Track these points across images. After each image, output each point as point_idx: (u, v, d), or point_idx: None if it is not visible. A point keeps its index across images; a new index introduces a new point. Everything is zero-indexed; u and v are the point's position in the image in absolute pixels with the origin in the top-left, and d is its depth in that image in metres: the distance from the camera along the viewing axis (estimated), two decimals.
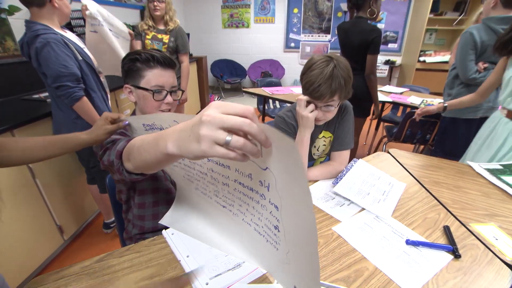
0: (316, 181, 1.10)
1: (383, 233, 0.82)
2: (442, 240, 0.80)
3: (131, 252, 0.76)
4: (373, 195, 0.99)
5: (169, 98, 0.90)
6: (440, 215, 0.92)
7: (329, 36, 4.85)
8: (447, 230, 0.83)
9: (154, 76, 0.87)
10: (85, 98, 1.34)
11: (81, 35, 1.84)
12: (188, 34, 4.21)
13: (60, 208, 1.67)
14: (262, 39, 5.12)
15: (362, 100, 2.23)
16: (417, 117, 1.66)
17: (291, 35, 4.98)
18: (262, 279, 0.67)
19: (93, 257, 0.74)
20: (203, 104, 4.23)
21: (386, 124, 2.77)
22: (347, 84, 0.97)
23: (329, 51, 4.92)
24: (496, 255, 0.75)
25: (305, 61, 5.72)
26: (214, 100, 4.90)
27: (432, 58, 4.30)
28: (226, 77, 5.13)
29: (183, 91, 0.97)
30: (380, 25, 4.59)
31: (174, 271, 0.69)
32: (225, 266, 0.69)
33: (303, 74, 1.01)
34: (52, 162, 1.59)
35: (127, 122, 0.76)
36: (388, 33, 4.64)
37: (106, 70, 1.71)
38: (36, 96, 1.88)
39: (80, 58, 1.35)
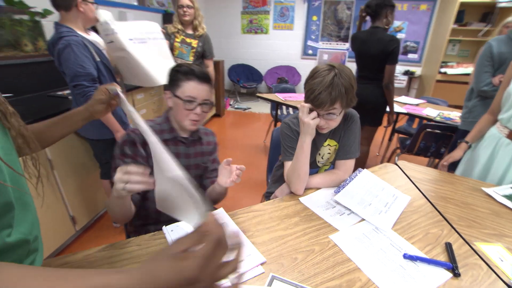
0: (318, 188, 1.10)
1: (381, 245, 0.81)
2: (443, 257, 0.78)
3: (132, 245, 0.79)
4: (374, 206, 0.97)
5: (198, 110, 0.96)
6: (443, 231, 0.89)
7: (347, 44, 4.81)
8: (448, 247, 0.81)
9: (189, 88, 0.95)
10: None
11: None
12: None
13: (74, 200, 1.75)
14: (280, 45, 5.16)
15: (376, 109, 2.21)
16: (442, 168, 1.41)
17: (309, 42, 4.99)
18: (254, 280, 0.68)
19: (95, 247, 0.77)
20: (218, 107, 4.29)
21: (400, 135, 2.71)
22: (348, 93, 0.97)
23: (347, 59, 4.88)
24: (500, 277, 0.73)
25: (314, 78, 5.83)
26: (229, 103, 4.96)
27: (454, 70, 4.18)
28: (243, 82, 5.20)
29: (213, 105, 1.03)
30: (401, 35, 4.52)
31: None
32: None
33: (306, 82, 1.03)
34: (69, 156, 1.68)
35: (116, 92, 0.77)
36: (408, 43, 4.56)
37: (130, 80, 1.71)
38: (60, 93, 1.99)
39: (98, 59, 1.43)
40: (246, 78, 5.31)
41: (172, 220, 1.04)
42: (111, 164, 1.43)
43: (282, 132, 1.15)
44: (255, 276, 0.70)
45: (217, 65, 4.09)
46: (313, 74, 1.01)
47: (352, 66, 2.25)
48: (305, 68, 5.13)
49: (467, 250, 0.82)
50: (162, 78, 1.74)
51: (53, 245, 1.64)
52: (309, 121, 0.99)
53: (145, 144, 1.00)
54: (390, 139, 2.77)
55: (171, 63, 1.85)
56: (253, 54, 5.34)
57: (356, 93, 2.22)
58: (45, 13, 1.99)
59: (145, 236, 0.83)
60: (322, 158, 1.19)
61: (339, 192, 1.03)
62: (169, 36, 2.26)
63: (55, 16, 2.06)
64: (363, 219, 0.92)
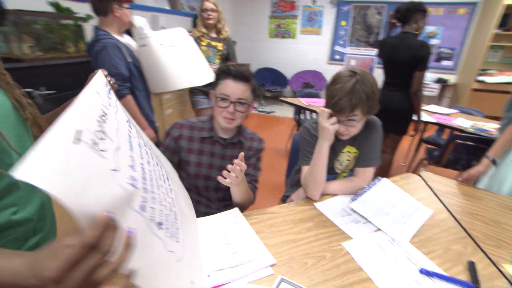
0: (335, 195, 1.09)
1: (396, 257, 0.79)
2: (464, 277, 0.74)
3: None
4: (392, 216, 0.95)
5: (231, 108, 0.98)
6: (467, 249, 0.85)
7: (376, 50, 4.68)
8: (471, 266, 0.77)
9: (224, 86, 0.99)
10: (129, 96, 1.50)
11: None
12: (235, 42, 4.41)
13: None
14: (307, 50, 5.14)
15: (402, 117, 2.14)
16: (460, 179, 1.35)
17: (337, 48, 4.92)
18: (262, 281, 0.69)
19: None
20: None
21: (427, 146, 2.59)
22: (370, 100, 0.96)
23: (375, 65, 4.75)
24: None
25: (334, 84, 5.69)
26: (254, 106, 5.01)
27: (494, 78, 3.91)
28: (268, 85, 5.23)
29: (250, 105, 1.05)
30: (435, 41, 4.32)
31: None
32: (228, 263, 0.73)
33: (327, 87, 1.03)
34: None
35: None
36: (442, 49, 4.34)
37: (157, 86, 1.72)
38: None
39: (130, 60, 1.52)
40: (271, 82, 5.34)
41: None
42: None
43: (301, 136, 1.16)
44: (263, 277, 0.71)
45: None
46: (335, 79, 1.00)
47: (381, 72, 2.19)
48: (331, 73, 4.95)
49: (494, 271, 0.77)
50: (195, 79, 1.81)
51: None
52: (328, 126, 0.99)
53: (179, 137, 1.08)
54: (416, 149, 2.65)
55: (204, 63, 1.91)
56: (279, 58, 5.36)
57: (382, 99, 2.15)
58: (87, 18, 2.15)
59: None
60: (341, 164, 1.18)
61: (355, 199, 1.01)
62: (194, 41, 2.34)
63: (95, 20, 2.23)
64: (379, 229, 0.90)
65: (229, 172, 0.84)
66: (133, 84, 1.54)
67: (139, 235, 0.39)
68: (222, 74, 1.00)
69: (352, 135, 1.07)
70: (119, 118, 0.49)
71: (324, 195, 1.08)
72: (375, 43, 4.62)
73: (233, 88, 0.98)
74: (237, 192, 0.99)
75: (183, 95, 2.74)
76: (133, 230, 0.37)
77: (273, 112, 4.89)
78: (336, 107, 0.96)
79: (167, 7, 3.54)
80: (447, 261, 0.79)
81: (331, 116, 1.00)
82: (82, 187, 0.31)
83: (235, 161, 0.84)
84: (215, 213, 1.10)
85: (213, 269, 0.70)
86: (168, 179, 0.64)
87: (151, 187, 0.48)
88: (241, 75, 0.98)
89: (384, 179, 1.14)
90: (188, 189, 0.96)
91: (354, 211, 0.98)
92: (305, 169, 1.10)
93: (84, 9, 2.17)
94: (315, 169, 1.03)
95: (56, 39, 2.01)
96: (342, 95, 0.94)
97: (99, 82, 0.52)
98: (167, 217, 0.51)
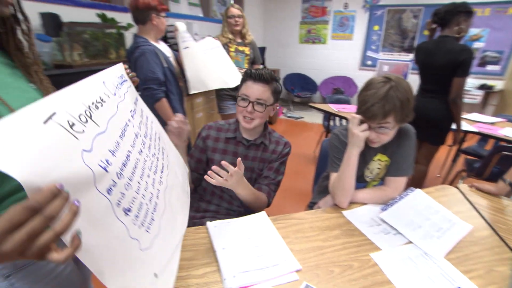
0: (363, 204, 1.06)
1: (429, 273, 0.75)
2: None
3: None
4: (425, 229, 0.90)
5: (249, 108, 1.03)
6: None
7: (411, 55, 4.48)
8: None
9: (245, 87, 1.06)
10: (164, 99, 1.58)
11: (172, 46, 2.16)
12: (265, 48, 4.47)
13: None
14: (337, 56, 5.05)
15: (439, 126, 2.01)
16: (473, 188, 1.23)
17: (369, 53, 4.78)
18: (287, 286, 0.69)
19: None
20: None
21: (467, 157, 2.41)
22: (404, 107, 0.92)
23: (409, 71, 4.54)
24: None
25: (366, 90, 5.54)
26: (282, 111, 5.02)
27: None
28: (297, 91, 5.21)
29: (271, 105, 1.08)
30: (478, 44, 4.03)
31: (209, 259, 0.77)
32: (253, 265, 0.74)
33: (360, 93, 1.01)
34: None
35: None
36: (488, 53, 4.04)
37: (196, 85, 1.83)
38: None
39: (165, 65, 1.61)
40: (300, 88, 5.31)
41: (215, 217, 1.13)
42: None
43: (330, 142, 1.14)
44: (288, 282, 0.71)
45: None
46: (368, 85, 0.98)
47: (416, 78, 2.09)
48: (362, 79, 4.87)
49: None
50: (226, 81, 1.92)
51: None
52: (358, 133, 0.97)
53: (207, 137, 1.16)
54: (454, 160, 2.48)
55: (233, 67, 1.99)
56: (309, 63, 5.32)
57: (418, 107, 2.05)
58: (128, 27, 2.32)
59: (189, 229, 0.90)
60: (371, 173, 1.14)
61: (386, 210, 0.97)
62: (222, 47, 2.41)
63: (135, 29, 2.38)
64: (410, 242, 0.86)
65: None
66: (168, 88, 1.63)
67: (99, 215, 0.41)
68: (245, 76, 1.07)
69: (383, 143, 1.03)
70: (120, 107, 0.53)
71: (353, 203, 1.06)
72: (410, 48, 4.43)
73: (253, 88, 1.03)
74: (239, 194, 1.01)
75: (212, 99, 2.82)
76: (79, 203, 0.36)
77: (302, 117, 4.85)
78: (367, 113, 0.94)
79: (201, 15, 3.69)
80: (490, 283, 0.73)
81: (362, 122, 0.98)
82: (41, 160, 0.33)
83: (223, 162, 0.87)
84: (236, 210, 1.13)
85: (238, 270, 0.72)
86: (162, 171, 0.66)
87: (130, 174, 0.50)
88: (261, 77, 1.03)
89: (418, 190, 1.08)
90: (213, 185, 0.99)
91: (384, 222, 0.94)
92: (333, 176, 1.08)
93: (125, 19, 2.34)
94: (343, 176, 1.01)
95: (100, 46, 2.18)
96: (375, 101, 0.92)
97: (111, 73, 0.57)
98: (140, 206, 0.52)
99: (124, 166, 0.49)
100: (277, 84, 1.09)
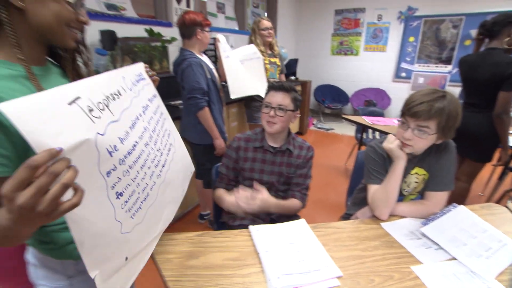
0: (402, 217, 1.05)
1: None
2: None
3: (223, 236, 0.93)
4: (471, 248, 0.88)
5: (271, 112, 1.16)
6: None
7: (449, 67, 4.30)
8: None
9: (268, 96, 1.21)
10: (207, 108, 1.68)
11: (210, 57, 2.29)
12: (297, 59, 4.53)
13: None
14: (370, 67, 4.98)
15: (484, 142, 1.91)
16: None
17: (403, 65, 4.66)
18: None
19: (195, 231, 0.94)
20: (302, 125, 4.40)
21: None
22: (449, 118, 0.93)
23: (447, 83, 4.35)
24: None
25: (417, 91, 5.28)
26: (313, 122, 5.01)
27: None
28: (328, 102, 5.18)
29: (291, 111, 1.20)
30: None
31: (253, 260, 0.82)
32: (296, 269, 0.77)
33: (409, 96, 1.01)
34: None
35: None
36: None
37: (236, 91, 1.97)
38: (172, 102, 2.43)
39: (209, 76, 1.72)
40: (331, 99, 5.28)
41: (254, 220, 1.18)
42: (207, 165, 1.74)
43: (367, 155, 1.15)
44: (331, 287, 0.73)
45: (305, 85, 4.22)
46: (421, 90, 1.00)
47: (454, 90, 2.02)
48: (396, 91, 4.79)
49: None
50: (259, 90, 2.04)
51: None
52: (390, 146, 1.00)
53: (238, 149, 1.26)
54: (500, 178, 2.33)
55: (264, 79, 2.09)
56: (341, 75, 5.29)
57: (462, 122, 1.99)
58: (171, 40, 2.50)
59: (234, 231, 0.96)
60: (408, 186, 1.13)
61: (427, 224, 0.96)
62: None
63: (177, 42, 2.56)
64: (453, 258, 0.84)
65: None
66: (210, 98, 1.73)
67: (92, 193, 0.45)
68: (268, 88, 1.23)
69: (416, 151, 1.02)
70: (134, 102, 0.59)
71: (391, 215, 1.06)
72: (448, 59, 4.25)
73: (274, 97, 1.18)
74: (271, 211, 1.17)
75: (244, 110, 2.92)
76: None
77: (332, 129, 4.81)
78: (412, 109, 0.95)
79: (236, 28, 3.85)
80: None
81: (402, 121, 1.01)
82: (57, 128, 0.38)
83: (254, 184, 1.12)
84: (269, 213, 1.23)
85: (282, 272, 0.75)
86: (164, 166, 0.71)
87: (131, 163, 0.54)
88: (281, 87, 1.18)
89: (461, 207, 1.05)
90: (249, 187, 1.18)
91: (424, 236, 0.93)
92: (372, 187, 1.09)
93: (168, 33, 2.52)
94: (387, 188, 1.02)
95: (146, 58, 2.37)
96: (424, 100, 0.93)
97: (130, 70, 0.64)
98: (132, 193, 0.56)
99: (129, 154, 0.54)
100: (296, 93, 1.22)
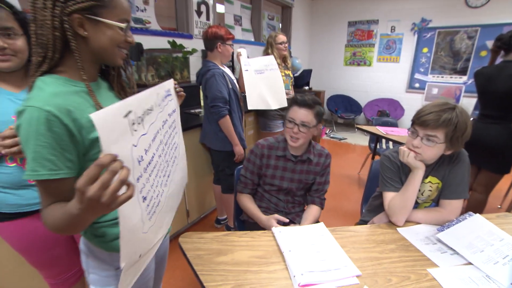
0: (418, 223, 1.09)
1: None
2: None
3: (247, 236, 1.00)
4: (488, 254, 0.91)
5: (295, 129, 1.20)
6: None
7: (464, 78, 4.29)
8: None
9: (292, 111, 1.24)
10: (228, 117, 1.77)
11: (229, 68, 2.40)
12: (311, 70, 4.62)
13: (191, 197, 2.17)
14: (383, 78, 5.01)
15: (500, 153, 1.92)
16: None
17: (417, 75, 4.67)
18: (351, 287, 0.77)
19: (222, 231, 1.01)
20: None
21: None
22: (457, 129, 0.97)
23: (462, 94, 4.33)
24: None
25: (429, 103, 5.20)
26: (325, 132, 5.05)
27: None
28: (340, 112, 5.22)
29: (314, 127, 1.24)
30: None
31: (277, 259, 0.88)
32: (318, 267, 0.83)
33: (421, 107, 1.07)
34: (195, 159, 2.11)
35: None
36: None
37: (253, 103, 2.04)
38: (192, 111, 2.54)
39: (230, 86, 1.82)
40: (344, 109, 5.32)
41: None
42: (226, 171, 1.83)
43: (382, 164, 1.20)
44: (350, 285, 0.78)
45: (318, 95, 4.30)
46: (433, 101, 1.06)
47: (469, 102, 2.04)
48: (409, 102, 4.79)
49: None
50: (275, 102, 2.10)
51: (171, 231, 2.06)
52: (406, 159, 1.06)
53: (262, 156, 1.31)
54: None
55: (281, 90, 2.17)
56: (354, 85, 5.34)
57: (477, 133, 2.01)
58: (193, 51, 2.63)
59: (257, 232, 1.02)
60: (422, 194, 1.17)
61: (443, 230, 1.00)
62: None
63: (198, 53, 2.69)
64: (469, 263, 0.88)
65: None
66: (231, 106, 1.83)
67: None
68: (291, 101, 1.25)
69: (424, 159, 1.06)
70: (158, 116, 0.67)
71: (407, 222, 1.10)
72: (463, 70, 4.25)
73: (298, 113, 1.20)
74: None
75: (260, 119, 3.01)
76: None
77: (345, 139, 4.83)
78: (421, 117, 1.01)
79: (252, 39, 3.99)
80: None
81: (412, 130, 1.07)
82: (115, 137, 0.46)
83: (276, 216, 1.19)
84: (285, 206, 1.35)
85: (305, 269, 0.81)
86: (169, 176, 0.77)
87: (150, 171, 0.61)
88: (305, 102, 1.20)
89: (477, 215, 1.09)
90: (266, 191, 1.35)
91: (440, 241, 0.97)
92: (388, 195, 1.13)
93: (190, 44, 2.66)
94: (405, 196, 1.06)
95: (169, 68, 2.50)
96: (434, 110, 0.99)
97: (163, 87, 0.73)
98: (151, 198, 0.63)
99: (149, 164, 0.61)
100: (319, 107, 1.24)
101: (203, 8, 2.91)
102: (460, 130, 0.98)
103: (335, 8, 5.15)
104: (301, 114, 1.20)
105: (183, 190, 1.00)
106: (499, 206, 2.64)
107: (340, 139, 4.81)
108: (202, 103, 2.15)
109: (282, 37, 2.42)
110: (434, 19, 4.39)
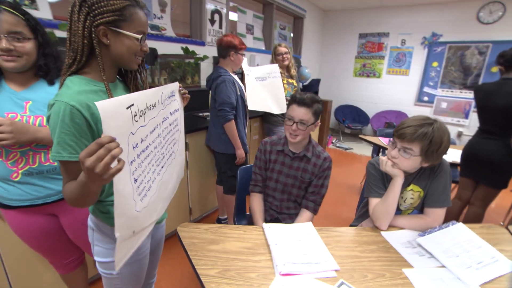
0: (401, 228, 1.15)
1: None
2: None
3: (240, 229, 1.09)
4: (462, 259, 0.96)
5: (294, 126, 1.27)
6: None
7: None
8: None
9: (291, 109, 1.31)
10: (233, 121, 1.88)
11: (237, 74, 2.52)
12: (319, 80, 4.70)
13: (194, 195, 2.27)
14: (392, 90, 5.05)
15: (499, 168, 1.94)
16: None
17: (426, 89, 4.69)
18: (326, 280, 0.84)
19: (215, 224, 1.10)
20: (320, 143, 4.51)
21: None
22: (432, 144, 1.03)
23: (472, 109, 4.31)
24: None
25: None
26: (332, 141, 5.10)
27: None
28: (348, 122, 5.27)
29: (312, 124, 1.31)
30: None
31: (264, 250, 0.96)
32: (300, 259, 0.90)
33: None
34: (200, 161, 2.22)
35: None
36: None
37: (254, 106, 2.17)
38: (200, 114, 2.66)
39: (239, 93, 1.93)
40: (352, 119, 5.37)
41: (271, 221, 1.33)
42: (228, 173, 1.93)
43: (368, 171, 1.27)
44: (327, 277, 0.86)
45: (325, 105, 4.36)
46: (414, 116, 1.13)
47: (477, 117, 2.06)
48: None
49: None
50: (276, 107, 2.23)
51: (172, 227, 2.15)
52: (384, 168, 1.13)
53: (265, 151, 1.43)
54: None
55: (282, 96, 2.28)
56: (362, 96, 5.39)
57: (476, 148, 2.03)
58: (204, 58, 2.76)
59: (249, 227, 1.11)
60: (404, 202, 1.23)
61: (424, 236, 1.06)
62: None
63: (209, 59, 2.82)
64: (443, 266, 0.93)
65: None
66: (237, 112, 1.93)
67: (124, 173, 0.61)
68: (290, 100, 1.31)
69: (402, 169, 1.12)
70: (160, 113, 0.78)
71: (392, 227, 1.16)
72: (474, 85, 4.25)
73: (296, 111, 1.27)
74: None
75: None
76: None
77: (351, 149, 4.86)
78: (399, 130, 1.09)
79: (263, 48, 4.11)
80: None
81: (393, 142, 1.14)
82: (114, 123, 0.56)
83: None
84: (279, 205, 1.44)
85: (288, 261, 0.89)
86: (163, 167, 0.87)
87: (144, 158, 0.71)
88: (303, 101, 1.26)
89: (460, 224, 1.14)
90: (266, 186, 1.43)
91: (420, 246, 1.03)
92: (373, 201, 1.19)
93: (202, 51, 2.80)
94: (387, 202, 1.12)
95: (180, 73, 2.64)
96: (411, 124, 1.06)
97: (168, 88, 0.84)
98: (142, 181, 0.72)
99: (143, 151, 0.71)
100: (318, 105, 1.29)
101: (216, 17, 3.06)
102: (435, 145, 1.04)
103: (347, 20, 5.24)
104: (300, 112, 1.26)
105: (178, 184, 1.09)
106: (502, 223, 2.62)
107: (346, 149, 4.84)
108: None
109: (280, 49, 2.57)
110: (445, 34, 4.42)
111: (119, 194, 0.62)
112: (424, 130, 1.04)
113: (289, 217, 1.43)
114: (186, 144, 2.07)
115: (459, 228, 1.12)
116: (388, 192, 1.13)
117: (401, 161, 1.10)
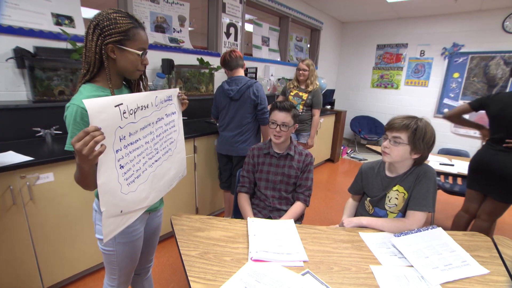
0: (381, 231, 1.20)
1: None
2: None
3: (226, 222, 1.20)
4: (431, 261, 1.00)
5: (277, 129, 1.46)
6: None
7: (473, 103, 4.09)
8: None
9: (273, 114, 1.51)
10: None
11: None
12: (334, 90, 4.75)
13: (202, 196, 2.41)
14: (410, 101, 4.95)
15: (509, 181, 1.87)
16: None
17: (446, 100, 4.56)
18: (293, 269, 0.93)
19: (205, 215, 1.23)
20: (333, 153, 4.53)
21: None
22: (418, 133, 1.17)
23: None
24: None
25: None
26: (346, 152, 5.07)
27: None
28: (364, 133, 5.22)
29: (292, 126, 1.50)
30: None
31: (243, 239, 1.07)
32: (272, 249, 1.00)
33: None
34: (207, 163, 2.37)
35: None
36: None
37: None
38: (212, 120, 2.83)
39: None
40: (368, 130, 5.31)
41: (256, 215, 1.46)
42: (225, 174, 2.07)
43: (359, 170, 1.46)
44: (294, 266, 0.94)
45: (339, 115, 4.39)
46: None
47: None
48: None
49: None
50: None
51: None
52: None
53: (253, 156, 1.59)
54: None
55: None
56: (379, 107, 5.33)
57: (486, 159, 2.01)
58: (218, 68, 2.95)
59: (236, 219, 1.22)
60: (389, 201, 1.28)
61: (399, 236, 1.11)
62: (285, 92, 2.98)
63: (222, 70, 2.98)
64: (411, 266, 0.98)
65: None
66: None
67: (108, 159, 0.74)
68: (272, 107, 1.51)
69: (393, 160, 1.23)
70: (153, 114, 0.92)
71: (371, 229, 1.21)
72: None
73: (278, 115, 1.47)
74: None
75: None
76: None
77: (365, 159, 4.81)
78: (389, 123, 1.25)
79: (278, 59, 4.26)
80: None
81: (385, 132, 1.28)
82: (101, 117, 0.69)
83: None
84: (269, 203, 1.55)
85: (261, 249, 0.99)
86: (156, 160, 0.98)
87: (132, 150, 0.83)
88: (283, 107, 1.47)
89: (439, 228, 1.17)
90: (258, 189, 1.60)
91: (394, 247, 1.08)
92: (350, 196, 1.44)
93: (216, 62, 2.99)
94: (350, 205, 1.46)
95: (195, 82, 2.84)
96: (399, 117, 1.23)
97: (165, 93, 0.99)
98: (130, 169, 0.83)
99: (131, 144, 0.83)
100: (295, 110, 1.51)
101: (231, 30, 3.26)
102: (420, 133, 1.17)
103: (365, 31, 5.27)
104: (281, 116, 1.46)
105: (177, 181, 1.21)
106: None
107: (360, 160, 4.80)
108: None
109: (301, 65, 2.82)
110: (467, 44, 4.31)
111: (102, 174, 0.75)
112: (408, 121, 1.19)
113: (280, 216, 1.52)
114: (195, 147, 2.24)
115: (436, 232, 1.15)
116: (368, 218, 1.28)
117: (392, 150, 1.22)
